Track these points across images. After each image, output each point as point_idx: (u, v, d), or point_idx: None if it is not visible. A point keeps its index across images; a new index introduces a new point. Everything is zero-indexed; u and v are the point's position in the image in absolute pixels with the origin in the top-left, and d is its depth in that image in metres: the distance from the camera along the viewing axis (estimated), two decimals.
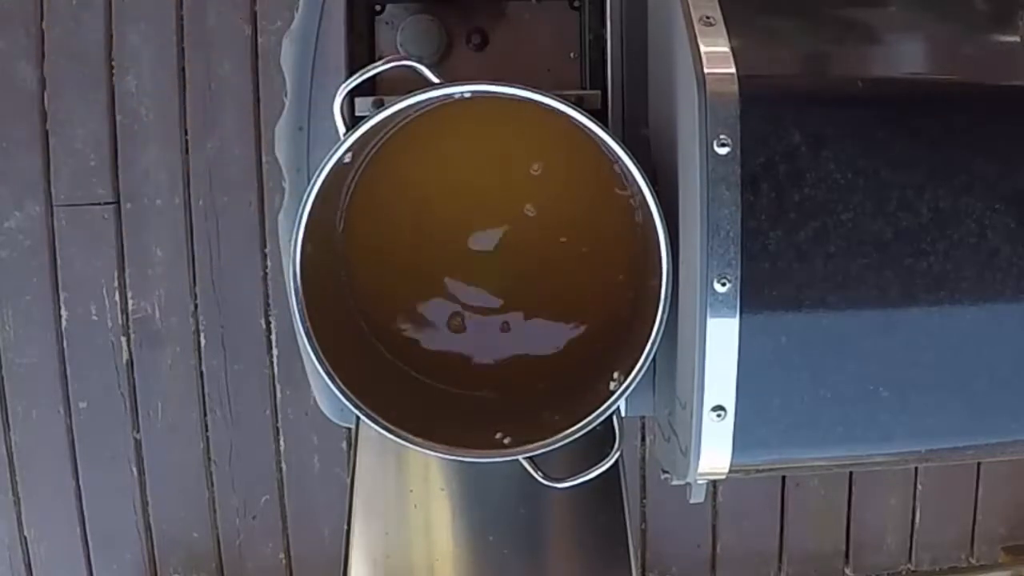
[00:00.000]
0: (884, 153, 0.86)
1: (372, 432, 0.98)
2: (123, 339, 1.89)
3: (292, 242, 0.93)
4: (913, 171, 0.86)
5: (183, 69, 1.86)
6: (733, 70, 0.85)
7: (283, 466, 1.95)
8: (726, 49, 0.87)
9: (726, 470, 0.92)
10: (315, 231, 0.94)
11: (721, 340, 0.86)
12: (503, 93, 0.91)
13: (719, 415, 0.88)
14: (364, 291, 1.06)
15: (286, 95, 1.08)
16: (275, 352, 1.91)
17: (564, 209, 1.07)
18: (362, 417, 0.96)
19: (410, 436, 0.96)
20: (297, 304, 0.95)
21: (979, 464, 1.99)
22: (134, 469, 1.92)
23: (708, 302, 0.85)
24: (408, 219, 1.06)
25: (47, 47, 1.83)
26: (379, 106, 0.98)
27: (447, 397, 1.06)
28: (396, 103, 0.91)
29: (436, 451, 0.97)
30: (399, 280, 1.07)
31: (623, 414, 1.03)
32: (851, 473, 2.00)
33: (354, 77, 0.92)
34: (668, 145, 0.96)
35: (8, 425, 1.89)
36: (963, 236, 0.86)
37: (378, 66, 0.93)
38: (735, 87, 0.85)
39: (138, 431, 1.91)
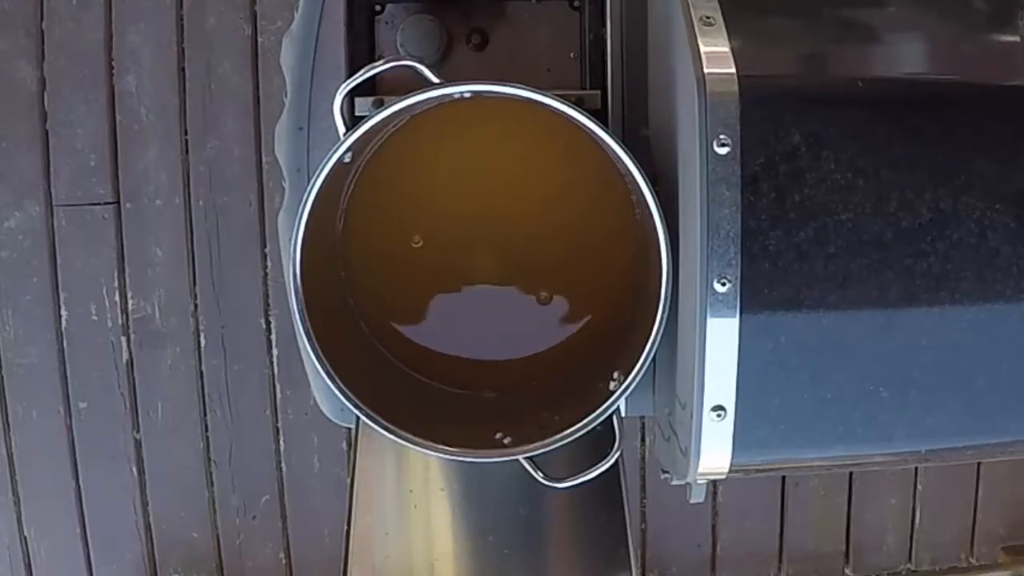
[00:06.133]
0: (884, 153, 0.86)
1: (372, 432, 0.98)
2: (123, 339, 1.89)
3: (292, 242, 0.93)
4: (913, 171, 0.86)
5: (183, 69, 1.86)
6: (733, 70, 0.85)
7: (283, 466, 1.95)
8: (726, 49, 0.87)
9: (726, 470, 0.92)
10: (315, 231, 0.94)
11: (721, 340, 0.86)
12: (503, 93, 0.91)
13: (719, 415, 0.88)
14: (364, 291, 1.06)
15: (286, 95, 1.08)
16: (275, 352, 1.91)
17: (564, 209, 1.07)
18: (362, 417, 0.96)
19: (410, 436, 0.96)
20: (297, 304, 0.95)
21: (979, 464, 1.99)
22: (134, 469, 1.92)
23: (708, 302, 0.85)
24: (408, 219, 1.06)
25: (47, 47, 1.83)
26: (379, 106, 0.98)
27: (447, 397, 1.06)
28: (396, 103, 0.91)
29: (436, 451, 0.97)
30: (399, 280, 1.07)
31: (623, 414, 1.03)
32: (851, 473, 2.00)
33: (354, 77, 0.92)
34: (668, 145, 0.96)
35: (8, 425, 1.89)
36: (963, 236, 0.86)
37: (378, 66, 0.93)
38: (735, 87, 0.85)
39: (138, 431, 1.91)
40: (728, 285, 0.85)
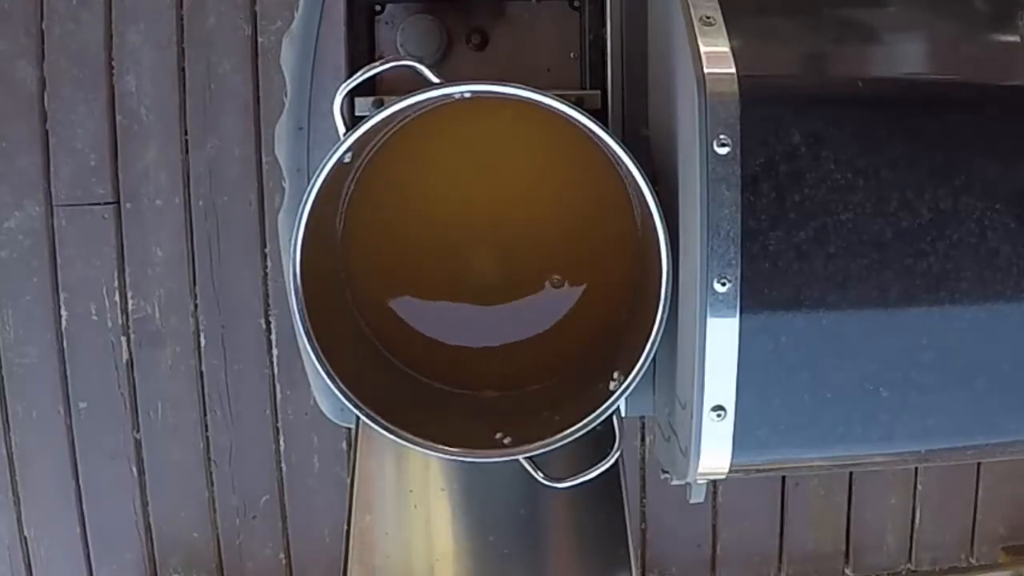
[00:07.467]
0: (884, 153, 0.86)
1: (372, 432, 0.98)
2: (123, 339, 1.89)
3: (292, 242, 0.93)
4: (913, 171, 0.86)
5: (183, 69, 1.86)
6: (733, 70, 0.85)
7: (283, 466, 1.95)
8: (726, 49, 0.87)
9: (726, 470, 0.92)
10: (315, 231, 0.94)
11: (721, 340, 0.86)
12: (503, 93, 0.91)
13: (719, 415, 0.88)
14: (364, 291, 1.06)
15: (286, 95, 1.08)
16: (275, 352, 1.91)
17: (564, 209, 1.07)
18: (362, 417, 0.96)
19: (410, 436, 0.96)
20: (297, 304, 0.95)
21: (979, 464, 1.99)
22: (134, 469, 1.92)
23: (708, 302, 0.85)
24: (408, 219, 1.06)
25: (47, 47, 1.83)
26: (379, 106, 0.98)
27: (447, 397, 1.06)
28: (396, 103, 0.91)
29: (436, 451, 0.97)
30: (399, 280, 1.07)
31: (623, 414, 1.03)
32: (851, 473, 2.00)
33: (354, 77, 0.92)
34: (668, 145, 0.96)
35: (8, 425, 1.89)
36: (963, 236, 0.86)
37: (378, 66, 0.93)
38: (735, 87, 0.85)
39: (138, 431, 1.91)
40: (728, 285, 0.85)
